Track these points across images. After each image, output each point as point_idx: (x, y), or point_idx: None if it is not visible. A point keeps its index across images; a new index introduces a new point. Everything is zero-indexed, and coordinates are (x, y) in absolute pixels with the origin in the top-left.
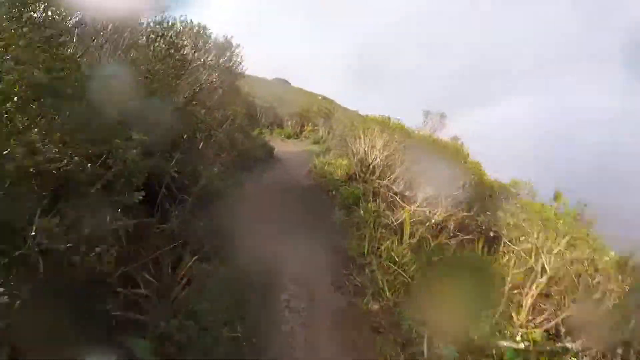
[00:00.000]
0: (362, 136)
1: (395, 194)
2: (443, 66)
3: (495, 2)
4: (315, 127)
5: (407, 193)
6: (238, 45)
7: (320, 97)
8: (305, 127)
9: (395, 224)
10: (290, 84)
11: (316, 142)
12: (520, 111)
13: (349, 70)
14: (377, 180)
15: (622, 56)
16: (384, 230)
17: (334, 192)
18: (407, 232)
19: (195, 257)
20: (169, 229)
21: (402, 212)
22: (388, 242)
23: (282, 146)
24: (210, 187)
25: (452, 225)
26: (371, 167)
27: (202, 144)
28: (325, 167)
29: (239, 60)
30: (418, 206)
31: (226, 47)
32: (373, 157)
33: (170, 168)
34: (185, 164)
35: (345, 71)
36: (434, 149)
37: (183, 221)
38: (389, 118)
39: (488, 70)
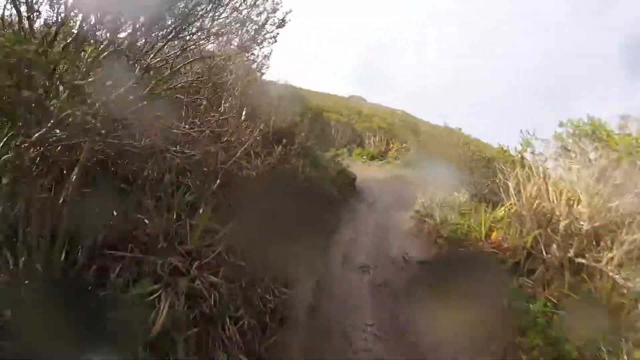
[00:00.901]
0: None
1: None
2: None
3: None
4: (404, 145)
5: None
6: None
7: (399, 112)
8: (392, 145)
9: None
10: (366, 101)
11: (408, 165)
12: None
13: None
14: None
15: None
16: None
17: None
18: None
19: None
20: None
21: None
22: None
23: (365, 171)
24: None
25: None
26: (578, 235)
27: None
28: (449, 217)
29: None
30: None
31: None
32: (579, 218)
33: None
34: None
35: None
36: None
37: None
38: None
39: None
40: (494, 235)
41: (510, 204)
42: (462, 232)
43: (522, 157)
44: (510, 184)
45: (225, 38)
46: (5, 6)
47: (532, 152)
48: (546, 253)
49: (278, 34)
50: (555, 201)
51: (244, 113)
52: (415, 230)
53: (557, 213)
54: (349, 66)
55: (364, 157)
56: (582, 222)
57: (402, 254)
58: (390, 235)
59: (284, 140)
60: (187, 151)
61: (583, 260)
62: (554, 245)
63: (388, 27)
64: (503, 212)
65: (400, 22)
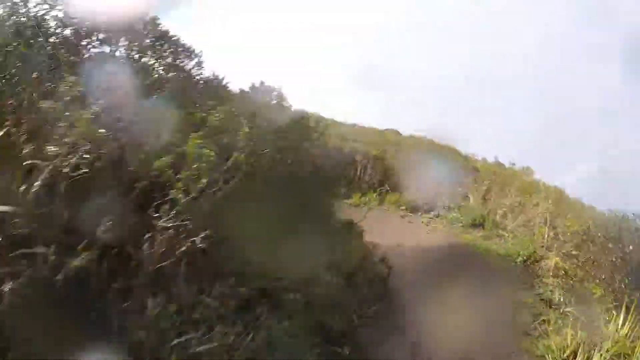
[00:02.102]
0: None
1: None
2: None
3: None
4: (460, 189)
5: None
6: None
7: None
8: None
9: None
10: (401, 134)
11: (475, 224)
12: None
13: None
14: None
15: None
16: None
17: None
18: None
19: None
20: None
21: None
22: None
23: (405, 235)
24: None
25: None
26: None
27: None
28: None
29: None
30: None
31: None
32: None
33: None
34: None
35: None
36: None
37: None
38: None
39: (484, 73)
40: None
41: None
42: None
43: None
44: None
45: None
46: None
47: None
48: None
49: None
50: None
51: None
52: None
53: None
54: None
55: (403, 207)
56: None
57: None
58: None
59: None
60: None
61: None
62: None
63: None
64: None
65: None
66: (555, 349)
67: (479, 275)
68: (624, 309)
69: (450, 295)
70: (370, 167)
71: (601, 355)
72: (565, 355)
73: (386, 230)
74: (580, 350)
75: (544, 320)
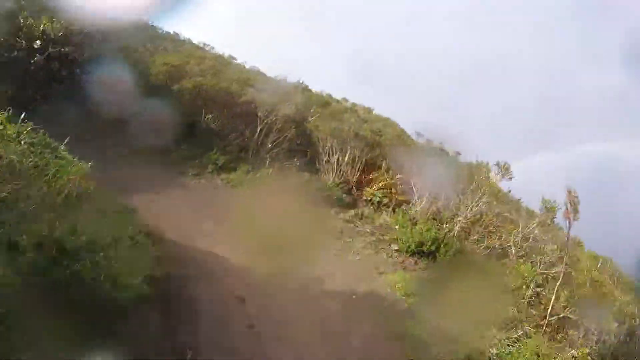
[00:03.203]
0: None
1: None
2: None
3: (491, 2)
4: (399, 178)
5: None
6: None
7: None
8: (371, 175)
9: None
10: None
11: None
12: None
13: (350, 72)
14: None
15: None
16: None
17: None
18: None
19: None
20: None
21: None
22: None
23: None
24: None
25: None
26: None
27: None
28: None
29: None
30: None
31: None
32: None
33: None
34: None
35: (348, 74)
36: None
37: None
38: None
39: (485, 73)
40: None
41: None
42: None
43: None
44: None
45: None
46: None
47: None
48: None
49: None
50: None
51: None
52: None
53: None
54: None
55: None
56: None
57: None
58: None
59: None
60: None
61: None
62: None
63: None
64: None
65: None
66: None
67: None
68: None
69: None
70: (277, 129)
71: None
72: None
73: None
74: None
75: None
